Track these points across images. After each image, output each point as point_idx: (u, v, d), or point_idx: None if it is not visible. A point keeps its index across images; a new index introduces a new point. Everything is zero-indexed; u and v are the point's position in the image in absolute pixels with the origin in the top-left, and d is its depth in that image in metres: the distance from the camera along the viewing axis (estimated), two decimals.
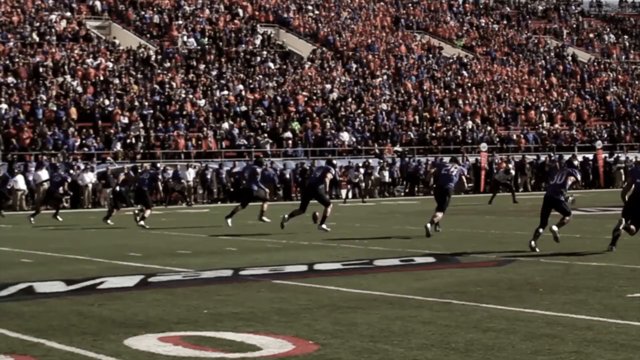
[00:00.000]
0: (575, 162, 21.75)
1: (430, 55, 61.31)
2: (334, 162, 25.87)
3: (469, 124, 52.15)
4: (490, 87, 58.06)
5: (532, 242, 16.56)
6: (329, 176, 22.85)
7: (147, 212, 25.94)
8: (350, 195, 42.51)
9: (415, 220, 23.70)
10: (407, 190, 46.78)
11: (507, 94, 57.39)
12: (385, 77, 56.20)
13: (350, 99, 51.96)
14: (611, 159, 51.23)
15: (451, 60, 61.03)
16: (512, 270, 13.92)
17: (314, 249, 17.93)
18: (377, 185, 45.21)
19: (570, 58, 66.69)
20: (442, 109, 53.49)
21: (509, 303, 10.47)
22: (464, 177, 22.09)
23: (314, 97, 51.04)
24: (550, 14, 76.68)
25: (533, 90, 59.37)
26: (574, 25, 75.49)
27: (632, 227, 15.73)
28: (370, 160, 45.41)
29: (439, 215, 20.74)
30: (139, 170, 29.20)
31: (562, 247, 16.84)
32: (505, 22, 72.58)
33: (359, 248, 18.00)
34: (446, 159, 29.95)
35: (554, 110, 56.95)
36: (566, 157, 49.79)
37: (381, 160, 46.12)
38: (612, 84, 63.31)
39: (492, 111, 54.61)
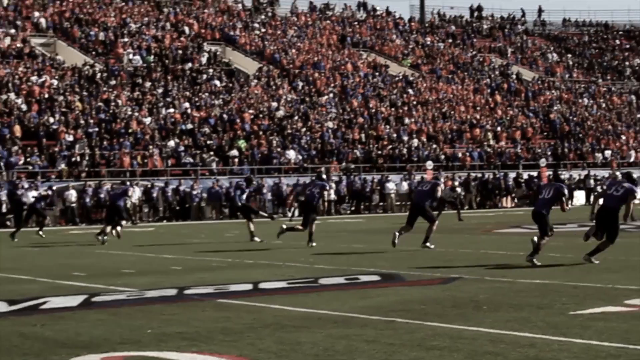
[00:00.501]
0: (562, 176, 22.15)
1: (377, 74, 61.55)
2: (324, 177, 26.13)
3: (415, 142, 52.40)
4: (435, 105, 58.40)
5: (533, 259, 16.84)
6: (325, 192, 24.20)
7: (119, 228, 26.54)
8: (296, 213, 42.49)
9: (362, 239, 23.72)
10: (353, 209, 46.85)
11: (452, 112, 57.79)
12: (331, 95, 56.32)
13: (296, 117, 52.02)
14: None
15: (397, 79, 61.32)
16: (456, 288, 13.99)
17: (260, 268, 17.89)
18: (323, 203, 45.26)
19: (514, 76, 67.33)
20: (388, 126, 53.70)
21: (453, 321, 10.51)
22: (439, 189, 22.43)
23: (260, 115, 51.03)
24: (495, 32, 77.39)
25: (478, 108, 59.80)
26: (519, 44, 76.23)
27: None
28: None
29: (434, 227, 21.53)
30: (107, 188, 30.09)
31: (505, 264, 16.95)
32: (450, 40, 73.13)
33: (304, 267, 17.98)
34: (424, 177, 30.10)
35: (499, 128, 57.41)
36: (511, 174, 50.39)
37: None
38: (556, 102, 63.96)
39: (438, 129, 54.93)
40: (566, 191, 18.35)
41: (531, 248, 17.15)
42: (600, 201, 17.52)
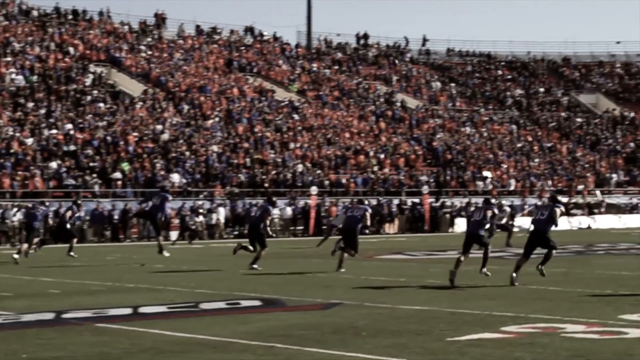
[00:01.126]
0: (493, 200, 23.10)
1: (263, 98, 61.62)
2: (274, 199, 26.08)
3: (300, 167, 52.58)
4: (321, 131, 58.72)
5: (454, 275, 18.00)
6: (268, 215, 23.77)
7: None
8: (177, 236, 42.29)
9: (244, 263, 23.67)
10: (237, 233, 46.73)
11: (337, 138, 58.17)
12: (216, 119, 56.16)
13: (181, 140, 51.72)
14: (437, 204, 52.47)
15: (283, 104, 61.50)
16: (336, 313, 14.07)
17: (140, 292, 17.72)
18: (207, 227, 45.05)
19: (399, 104, 68.16)
20: (273, 151, 53.78)
21: (332, 347, 10.56)
22: (367, 215, 23.10)
23: (145, 138, 50.61)
24: (380, 60, 78.28)
25: (363, 135, 60.32)
26: (404, 72, 77.24)
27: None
28: (200, 202, 45.36)
29: (353, 252, 22.44)
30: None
31: (386, 290, 17.11)
32: (336, 67, 73.70)
33: (185, 291, 17.88)
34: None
35: (383, 155, 57.97)
36: (395, 201, 50.91)
37: (213, 203, 46.11)
38: (439, 131, 64.93)
39: (323, 155, 55.22)
40: (496, 210, 20.18)
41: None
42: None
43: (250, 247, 23.61)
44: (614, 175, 65.54)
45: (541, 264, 18.77)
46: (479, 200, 53.56)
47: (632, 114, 78.25)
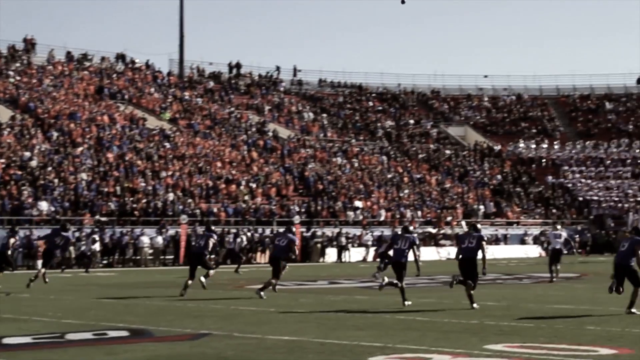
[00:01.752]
0: (411, 228, 24.22)
1: (134, 126, 61.07)
2: (213, 227, 27.10)
3: (170, 195, 52.17)
4: (192, 159, 58.44)
5: None
6: (211, 242, 24.98)
7: None
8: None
9: (112, 292, 23.36)
10: (105, 262, 46.08)
11: (208, 167, 57.96)
12: (86, 146, 55.38)
13: (50, 168, 50.81)
14: (308, 234, 52.70)
15: (154, 132, 61.01)
16: (205, 344, 13.97)
17: (3, 322, 17.29)
18: (77, 256, 44.30)
19: (271, 134, 68.34)
20: (143, 180, 53.24)
21: None
22: (294, 246, 24.22)
23: (12, 165, 49.58)
24: (252, 90, 78.46)
25: (234, 164, 60.26)
26: (276, 102, 77.55)
27: (469, 281, 19.94)
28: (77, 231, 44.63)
29: (274, 281, 23.62)
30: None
31: (256, 320, 17.08)
32: (208, 96, 73.55)
33: (51, 321, 17.52)
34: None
35: (255, 184, 57.97)
36: (267, 231, 50.91)
37: (82, 231, 45.39)
38: (311, 161, 65.31)
39: (194, 184, 54.93)
40: (417, 240, 21.62)
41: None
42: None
43: (191, 278, 24.34)
44: (482, 207, 66.87)
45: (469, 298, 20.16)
46: (351, 230, 54.38)
47: (499, 147, 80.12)
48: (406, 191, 65.58)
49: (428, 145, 78.18)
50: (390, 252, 22.25)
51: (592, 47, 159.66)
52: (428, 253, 54.19)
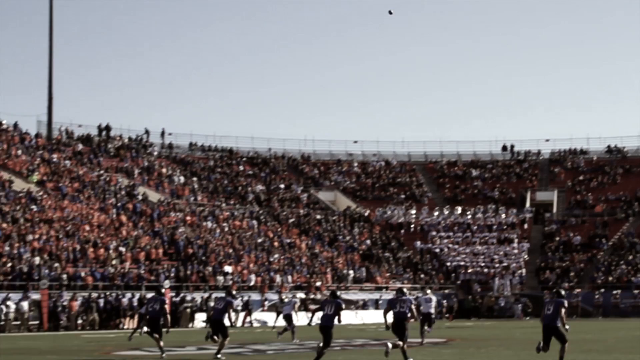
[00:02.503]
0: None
1: (0, 189, 59.75)
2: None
3: (36, 259, 51.04)
4: (60, 223, 57.39)
5: None
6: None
7: None
8: None
9: None
10: None
11: (76, 231, 56.98)
12: None
13: None
14: (177, 299, 52.18)
15: (21, 195, 59.77)
16: None
17: None
18: None
19: (140, 197, 67.69)
20: (8, 243, 51.99)
21: None
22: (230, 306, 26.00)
23: None
24: (122, 153, 77.71)
25: (103, 227, 59.41)
26: (145, 166, 76.95)
27: (399, 342, 21.95)
28: None
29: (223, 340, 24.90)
30: None
31: None
32: (77, 158, 72.56)
33: None
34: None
35: (124, 248, 57.22)
36: (136, 295, 50.21)
37: None
38: (181, 225, 64.86)
39: (61, 247, 53.89)
40: (342, 306, 22.61)
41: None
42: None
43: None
44: (351, 272, 67.35)
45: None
46: (220, 294, 53.98)
47: (368, 212, 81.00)
48: (276, 256, 65.63)
49: (298, 209, 78.56)
50: (316, 317, 23.69)
51: (459, 114, 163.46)
52: (299, 318, 54.20)
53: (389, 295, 64.65)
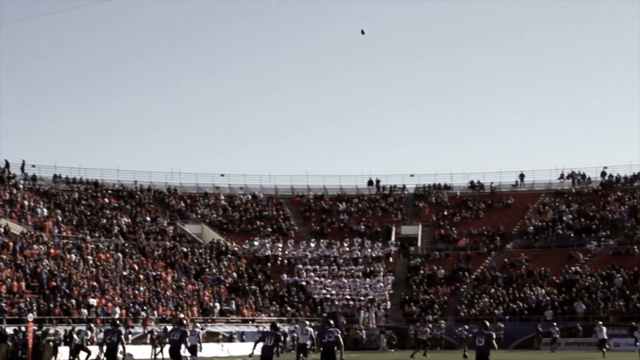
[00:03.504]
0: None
1: None
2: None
3: None
4: None
5: None
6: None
7: None
8: None
9: None
10: None
11: None
12: None
13: None
14: (40, 332, 51.07)
15: None
16: None
17: None
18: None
19: (2, 230, 66.16)
20: None
21: None
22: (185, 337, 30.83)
23: None
24: None
25: None
26: (7, 198, 75.23)
27: None
28: None
29: None
30: None
31: None
32: None
33: None
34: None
35: None
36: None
37: None
38: (44, 257, 63.59)
39: None
40: (281, 338, 26.53)
41: None
42: None
43: None
44: (217, 305, 67.08)
45: None
46: (83, 327, 53.12)
47: (235, 245, 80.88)
48: (141, 288, 64.92)
49: (164, 242, 77.89)
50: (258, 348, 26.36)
51: (326, 148, 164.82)
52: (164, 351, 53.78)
53: (254, 328, 64.84)
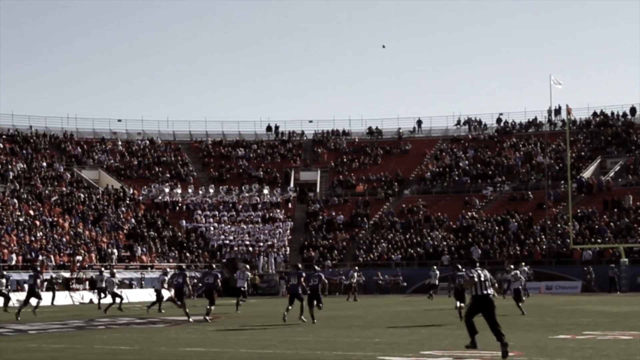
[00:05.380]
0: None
1: None
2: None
3: None
4: None
5: None
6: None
7: None
8: None
9: None
10: None
11: None
12: None
13: None
14: None
15: None
16: None
17: None
18: None
19: None
20: None
21: None
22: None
23: None
24: None
25: None
26: None
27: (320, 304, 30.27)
28: None
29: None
30: None
31: None
32: None
33: None
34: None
35: None
36: None
37: None
38: None
39: None
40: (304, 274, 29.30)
41: None
42: None
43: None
44: (115, 251, 66.65)
45: None
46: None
47: (133, 191, 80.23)
48: (38, 235, 64.14)
49: (61, 188, 76.87)
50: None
51: (224, 94, 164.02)
52: (61, 298, 53.39)
53: (153, 275, 64.54)
